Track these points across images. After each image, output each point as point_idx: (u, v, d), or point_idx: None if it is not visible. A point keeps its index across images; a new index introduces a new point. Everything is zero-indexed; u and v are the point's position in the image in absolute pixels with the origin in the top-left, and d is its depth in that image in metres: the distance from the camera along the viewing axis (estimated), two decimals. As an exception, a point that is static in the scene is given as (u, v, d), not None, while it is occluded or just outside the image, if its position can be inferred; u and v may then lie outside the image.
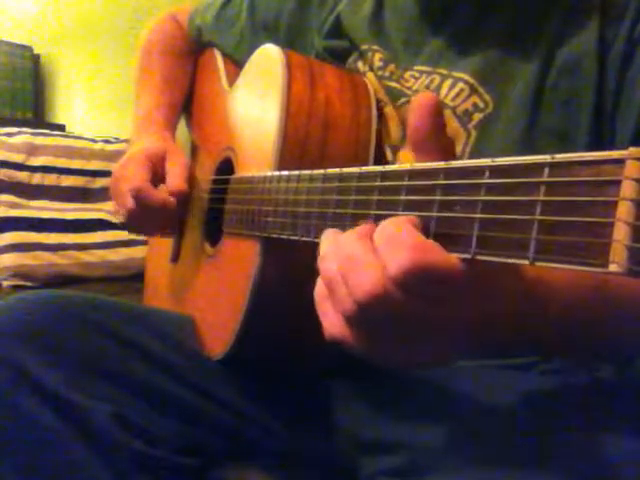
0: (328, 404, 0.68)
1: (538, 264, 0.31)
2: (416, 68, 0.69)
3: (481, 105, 0.62)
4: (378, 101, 0.69)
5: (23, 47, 2.50)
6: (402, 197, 0.40)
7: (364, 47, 0.73)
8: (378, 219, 0.40)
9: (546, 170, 0.32)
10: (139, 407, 0.65)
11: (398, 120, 0.68)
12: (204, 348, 0.73)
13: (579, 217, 0.30)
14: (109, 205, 1.80)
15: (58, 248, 1.70)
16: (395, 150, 0.68)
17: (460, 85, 0.64)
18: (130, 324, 0.70)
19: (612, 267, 0.28)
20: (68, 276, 1.68)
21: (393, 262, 0.36)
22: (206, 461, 0.68)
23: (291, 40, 0.82)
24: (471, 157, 0.61)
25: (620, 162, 0.28)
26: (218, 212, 0.77)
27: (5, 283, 1.62)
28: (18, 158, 1.74)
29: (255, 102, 0.74)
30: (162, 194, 0.81)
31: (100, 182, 1.85)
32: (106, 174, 1.82)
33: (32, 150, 1.77)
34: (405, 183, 0.40)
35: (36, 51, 2.55)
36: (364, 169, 0.45)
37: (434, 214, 0.38)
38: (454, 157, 0.40)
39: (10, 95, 2.45)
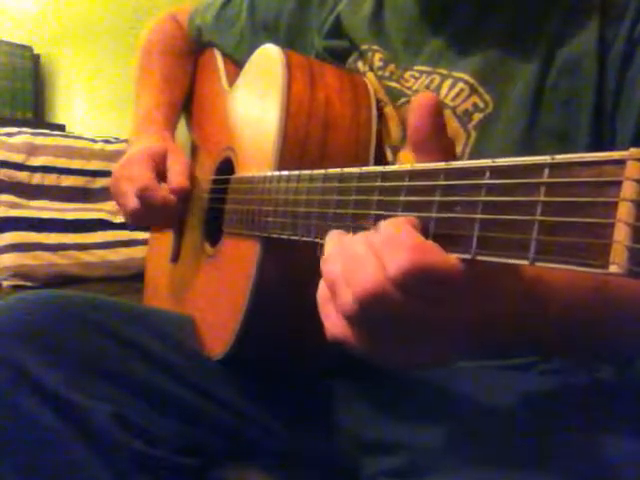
0: (328, 404, 0.68)
1: (538, 264, 0.31)
2: (416, 68, 0.69)
3: (481, 105, 0.62)
4: (378, 101, 0.69)
5: (23, 47, 2.50)
6: (402, 198, 0.40)
7: (364, 47, 0.73)
8: (378, 219, 0.40)
9: (546, 171, 0.32)
10: (139, 407, 0.65)
11: (398, 120, 0.68)
12: (204, 348, 0.72)
13: (579, 218, 0.30)
14: (109, 205, 1.80)
15: (58, 248, 1.70)
16: (395, 150, 0.68)
17: (460, 85, 0.64)
18: (130, 324, 0.70)
19: (612, 268, 0.28)
20: (68, 276, 1.68)
21: (392, 263, 0.36)
22: (206, 461, 0.68)
23: (291, 40, 0.82)
24: (471, 157, 0.61)
25: (620, 163, 0.28)
26: (218, 212, 0.77)
27: (5, 283, 1.62)
28: (18, 158, 1.74)
29: (255, 102, 0.74)
30: (166, 192, 0.81)
31: (100, 182, 1.85)
32: (106, 174, 1.82)
33: (32, 150, 1.77)
34: (405, 183, 0.40)
35: (36, 51, 2.54)
36: (364, 169, 0.45)
37: (434, 215, 0.38)
38: (454, 157, 0.40)
39: (10, 95, 2.45)
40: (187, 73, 1.02)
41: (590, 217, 0.29)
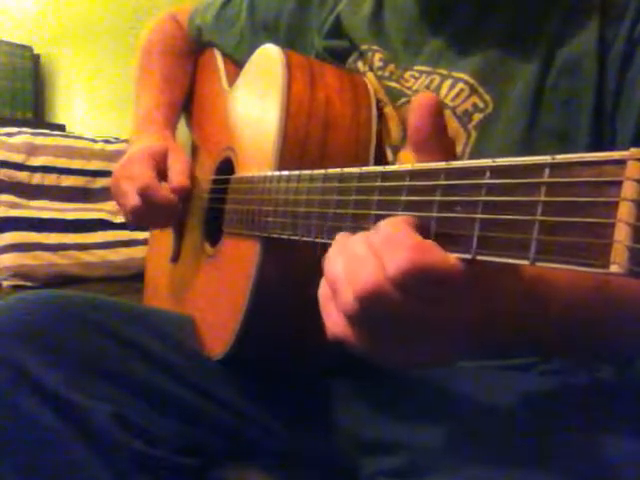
0: (328, 404, 0.68)
1: (539, 264, 0.31)
2: (416, 68, 0.69)
3: (481, 105, 0.62)
4: (378, 101, 0.69)
5: (23, 47, 2.50)
6: (403, 197, 0.40)
7: (364, 47, 0.73)
8: (378, 219, 0.40)
9: (547, 171, 0.32)
10: (139, 407, 0.65)
11: (398, 120, 0.68)
12: (204, 348, 0.72)
13: (580, 218, 0.30)
14: (109, 205, 1.80)
15: (58, 248, 1.70)
16: (395, 150, 0.68)
17: (460, 85, 0.64)
18: (130, 324, 0.70)
19: (613, 268, 0.28)
20: (68, 276, 1.68)
21: (392, 262, 0.36)
22: (206, 461, 0.68)
23: (291, 40, 0.82)
24: (471, 157, 0.61)
25: (621, 163, 0.28)
26: (218, 212, 0.77)
27: (5, 283, 1.62)
28: (18, 158, 1.74)
29: (255, 102, 0.74)
30: (167, 191, 0.81)
31: (100, 182, 1.85)
32: (106, 174, 1.82)
33: (32, 150, 1.77)
34: (406, 183, 0.40)
35: (36, 51, 2.54)
36: (364, 169, 0.45)
37: (435, 214, 0.38)
38: (455, 157, 0.40)
39: (10, 95, 2.45)
40: (187, 73, 1.02)
41: (591, 217, 0.29)
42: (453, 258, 0.36)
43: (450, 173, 0.37)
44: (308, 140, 0.63)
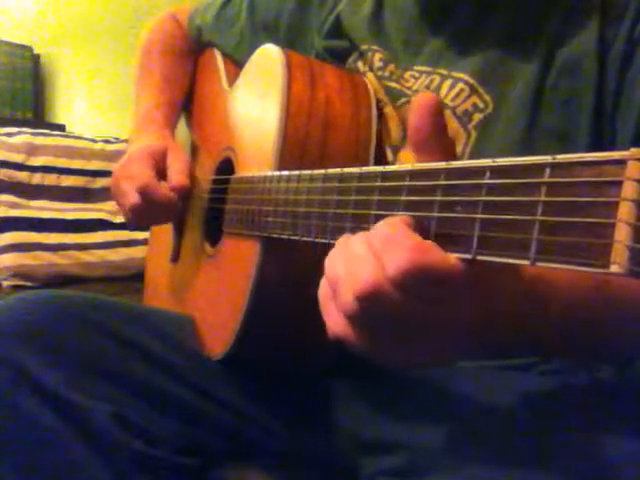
0: (328, 404, 0.68)
1: (539, 264, 0.31)
2: (416, 68, 0.68)
3: (481, 105, 0.62)
4: (378, 101, 0.69)
5: (23, 47, 2.50)
6: (403, 197, 0.40)
7: (364, 47, 0.73)
8: (378, 219, 0.40)
9: (547, 170, 0.32)
10: (139, 407, 0.65)
11: (398, 120, 0.68)
12: (204, 348, 0.72)
13: (580, 218, 0.30)
14: (109, 205, 1.80)
15: (58, 248, 1.70)
16: (395, 150, 0.68)
17: (460, 85, 0.64)
18: (130, 324, 0.70)
19: (613, 268, 0.28)
20: (68, 276, 1.68)
21: (391, 263, 0.36)
22: (206, 461, 0.68)
23: (291, 40, 0.82)
24: (471, 157, 0.61)
25: (621, 163, 0.28)
26: (218, 212, 0.77)
27: (5, 283, 1.62)
28: (18, 158, 1.74)
29: (255, 102, 0.74)
30: (166, 190, 0.81)
31: (100, 182, 1.85)
32: (106, 174, 1.82)
33: (32, 150, 1.77)
34: (406, 183, 0.40)
35: (36, 51, 2.54)
36: (365, 169, 0.45)
37: (435, 214, 0.38)
38: (455, 157, 0.40)
39: (10, 95, 2.45)
40: (187, 73, 1.02)
41: (591, 217, 0.29)
42: (453, 258, 0.36)
43: (450, 173, 0.37)
44: (308, 140, 0.63)
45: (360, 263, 0.38)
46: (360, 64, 0.74)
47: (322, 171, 0.50)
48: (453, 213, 0.37)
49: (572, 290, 0.46)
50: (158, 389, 0.67)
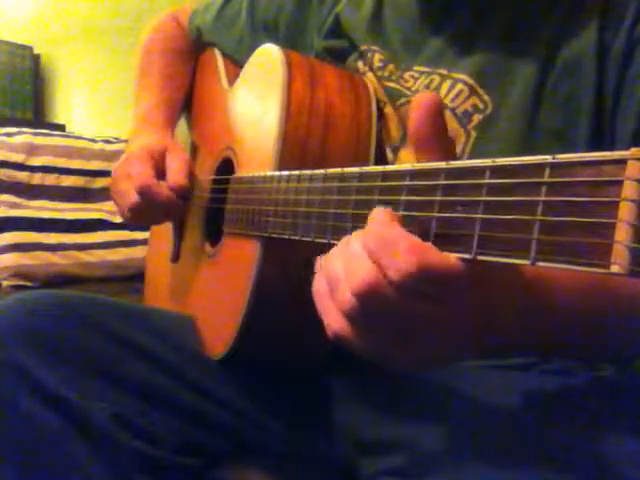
0: (328, 404, 0.68)
1: (539, 264, 0.31)
2: (415, 68, 0.68)
3: (481, 106, 0.62)
4: (378, 101, 0.69)
5: (23, 47, 2.50)
6: (403, 197, 0.40)
7: (363, 47, 0.73)
8: None
9: (547, 170, 0.32)
10: (139, 407, 0.65)
11: (398, 120, 0.68)
12: (204, 348, 0.72)
13: (580, 218, 0.30)
14: (109, 205, 1.80)
15: (58, 248, 1.70)
16: (395, 150, 0.68)
17: (459, 86, 0.64)
18: (130, 324, 0.70)
19: (614, 268, 0.28)
20: (68, 276, 1.68)
21: (392, 265, 0.36)
22: (206, 461, 0.68)
23: (291, 40, 0.82)
24: (471, 158, 0.61)
25: (621, 162, 0.28)
26: (218, 212, 0.77)
27: (5, 283, 1.62)
28: (18, 158, 1.74)
29: (255, 102, 0.74)
30: (166, 190, 0.81)
31: (100, 182, 1.85)
32: (106, 174, 1.82)
33: (32, 150, 1.77)
34: (406, 183, 0.40)
35: (36, 51, 2.54)
36: (365, 169, 0.45)
37: (435, 214, 0.38)
38: (455, 157, 0.40)
39: (10, 95, 2.45)
40: (187, 72, 1.02)
41: (591, 217, 0.29)
42: (453, 258, 0.36)
43: (450, 173, 0.37)
44: (308, 140, 0.63)
45: (358, 261, 0.38)
46: (360, 64, 0.74)
47: (322, 171, 0.50)
48: (453, 213, 0.37)
49: (572, 287, 0.46)
50: (158, 389, 0.67)
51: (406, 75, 0.69)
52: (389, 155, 0.68)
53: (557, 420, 0.51)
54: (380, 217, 0.39)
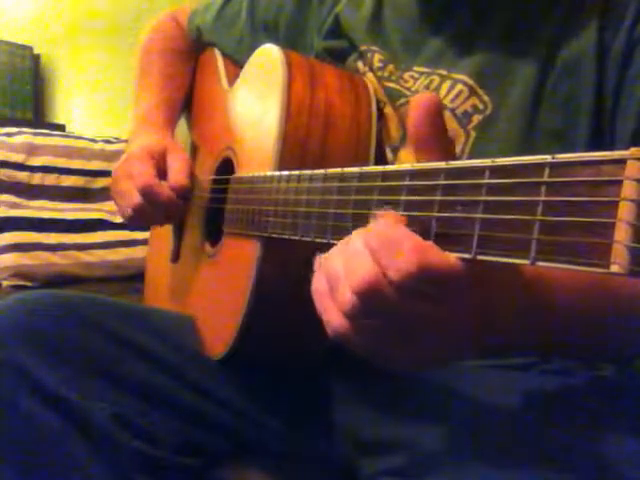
0: (328, 404, 0.68)
1: (539, 264, 0.31)
2: (415, 69, 0.68)
3: (480, 107, 0.62)
4: (378, 101, 0.69)
5: (23, 47, 2.50)
6: (403, 197, 0.40)
7: (363, 48, 0.73)
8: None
9: (547, 170, 0.32)
10: (139, 407, 0.65)
11: (397, 121, 0.68)
12: (204, 348, 0.72)
13: (580, 217, 0.30)
14: (109, 205, 1.80)
15: (58, 248, 1.70)
16: (395, 150, 0.68)
17: (459, 86, 0.64)
18: (130, 324, 0.70)
19: (613, 267, 0.28)
20: (68, 276, 1.68)
21: (392, 264, 0.36)
22: (206, 461, 0.68)
23: (291, 40, 0.82)
24: (470, 158, 0.61)
25: (621, 162, 0.28)
26: (218, 212, 0.77)
27: (5, 283, 1.62)
28: (18, 158, 1.74)
29: (255, 102, 0.74)
30: (167, 190, 0.81)
31: (100, 182, 1.85)
32: (106, 174, 1.82)
33: (32, 150, 1.77)
34: (406, 183, 0.40)
35: (36, 51, 2.54)
36: (365, 169, 0.45)
37: (435, 214, 0.38)
38: (454, 157, 0.40)
39: (10, 95, 2.45)
40: (187, 72, 1.02)
41: (591, 217, 0.29)
42: (453, 258, 0.36)
43: (450, 173, 0.37)
44: (308, 140, 0.63)
45: (359, 260, 0.38)
46: (360, 64, 0.74)
47: (322, 171, 0.51)
48: (453, 213, 0.37)
49: (572, 286, 0.47)
50: (158, 389, 0.67)
51: (406, 75, 0.69)
52: (389, 155, 0.68)
53: (557, 420, 0.51)
54: (386, 218, 0.39)
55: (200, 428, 0.68)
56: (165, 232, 0.97)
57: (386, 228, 0.38)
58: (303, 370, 0.70)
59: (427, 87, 0.66)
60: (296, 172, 0.55)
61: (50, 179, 1.79)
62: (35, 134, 1.81)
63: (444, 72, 0.66)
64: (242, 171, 0.72)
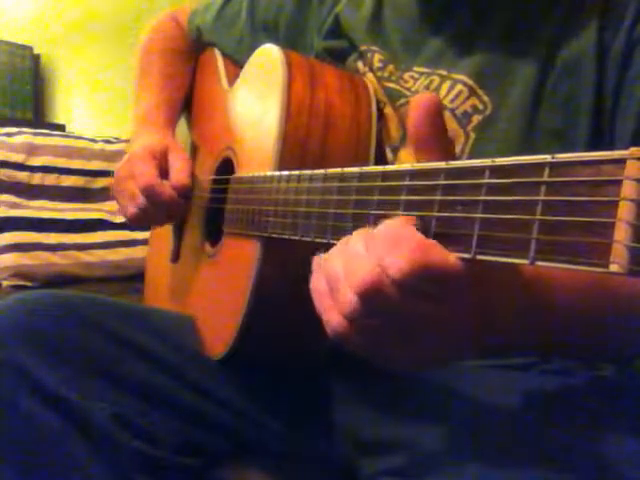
0: (328, 404, 0.68)
1: (539, 264, 0.31)
2: (415, 69, 0.68)
3: (480, 107, 0.62)
4: (378, 101, 0.69)
5: (23, 47, 2.50)
6: (403, 197, 0.40)
7: (363, 48, 0.73)
8: (378, 219, 0.40)
9: (547, 170, 0.32)
10: (139, 407, 0.65)
11: (397, 121, 0.68)
12: (204, 348, 0.73)
13: (580, 217, 0.30)
14: (109, 205, 1.80)
15: (58, 248, 1.70)
16: (395, 150, 0.68)
17: (459, 87, 0.64)
18: (130, 324, 0.70)
19: (613, 267, 0.28)
20: (68, 276, 1.68)
21: (393, 262, 0.36)
22: (206, 461, 0.68)
23: (291, 40, 0.82)
24: (470, 159, 0.61)
25: (621, 162, 0.28)
26: (218, 212, 0.77)
27: (5, 283, 1.62)
28: (18, 158, 1.74)
29: (255, 102, 0.74)
30: (170, 190, 0.81)
31: (100, 182, 1.85)
32: (106, 174, 1.82)
33: (32, 150, 1.77)
34: (406, 183, 0.40)
35: (36, 51, 2.54)
36: (365, 169, 0.45)
37: (435, 214, 0.38)
38: (454, 157, 0.40)
39: (10, 95, 2.45)
40: (187, 72, 1.02)
41: (590, 216, 0.29)
42: (453, 257, 0.36)
43: (450, 173, 0.37)
44: (308, 140, 0.63)
45: (360, 261, 0.38)
46: (360, 64, 0.74)
47: (322, 171, 0.51)
48: (453, 213, 0.37)
49: (572, 286, 0.47)
50: (158, 389, 0.67)
51: (406, 76, 0.69)
52: (389, 155, 0.68)
53: (557, 420, 0.51)
54: (396, 219, 0.39)
55: (200, 428, 0.68)
56: (165, 232, 0.97)
57: (389, 228, 0.38)
58: (303, 370, 0.70)
59: (427, 87, 0.66)
60: (296, 172, 0.55)
61: (50, 179, 1.79)
62: (35, 134, 1.82)
63: (444, 72, 0.66)
64: (242, 171, 0.72)
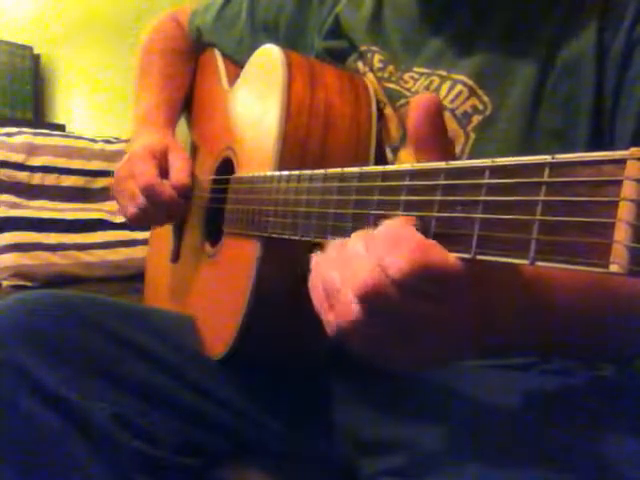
0: (328, 404, 0.68)
1: (539, 264, 0.31)
2: (415, 69, 0.68)
3: (480, 107, 0.62)
4: (378, 101, 0.69)
5: (23, 47, 2.50)
6: (403, 197, 0.40)
7: (363, 48, 0.73)
8: (378, 219, 0.40)
9: (547, 170, 0.32)
10: (139, 407, 0.65)
11: (397, 121, 0.68)
12: (204, 348, 0.73)
13: (580, 217, 0.30)
14: (109, 205, 1.80)
15: (58, 248, 1.70)
16: (395, 150, 0.68)
17: (459, 87, 0.64)
18: (130, 324, 0.70)
19: (613, 267, 0.28)
20: (68, 276, 1.68)
21: (393, 262, 0.36)
22: (206, 461, 0.68)
23: (291, 40, 0.82)
24: (470, 159, 0.61)
25: (621, 162, 0.28)
26: (218, 212, 0.77)
27: (5, 283, 1.62)
28: (18, 158, 1.74)
29: (255, 102, 0.74)
30: (170, 189, 0.81)
31: (100, 182, 1.85)
32: (106, 174, 1.82)
33: (32, 150, 1.77)
34: (406, 183, 0.40)
35: (36, 51, 2.54)
36: (365, 169, 0.45)
37: (435, 214, 0.38)
38: (454, 157, 0.40)
39: (10, 95, 2.45)
40: (187, 72, 1.02)
41: (590, 217, 0.29)
42: (453, 257, 0.36)
43: (450, 173, 0.37)
44: (308, 140, 0.63)
45: (360, 262, 0.38)
46: (360, 65, 0.74)
47: (322, 171, 0.51)
48: (453, 213, 0.37)
49: (572, 286, 0.47)
50: (158, 389, 0.67)
51: (406, 76, 0.69)
52: (389, 155, 0.68)
53: (557, 420, 0.51)
54: (396, 219, 0.39)
55: (200, 428, 0.68)
56: (165, 232, 0.97)
57: (388, 228, 0.38)
58: (303, 370, 0.70)
59: (427, 88, 0.66)
60: (296, 172, 0.55)
61: (50, 179, 1.79)
62: (35, 134, 1.82)
63: (444, 73, 0.66)
64: (242, 171, 0.72)
